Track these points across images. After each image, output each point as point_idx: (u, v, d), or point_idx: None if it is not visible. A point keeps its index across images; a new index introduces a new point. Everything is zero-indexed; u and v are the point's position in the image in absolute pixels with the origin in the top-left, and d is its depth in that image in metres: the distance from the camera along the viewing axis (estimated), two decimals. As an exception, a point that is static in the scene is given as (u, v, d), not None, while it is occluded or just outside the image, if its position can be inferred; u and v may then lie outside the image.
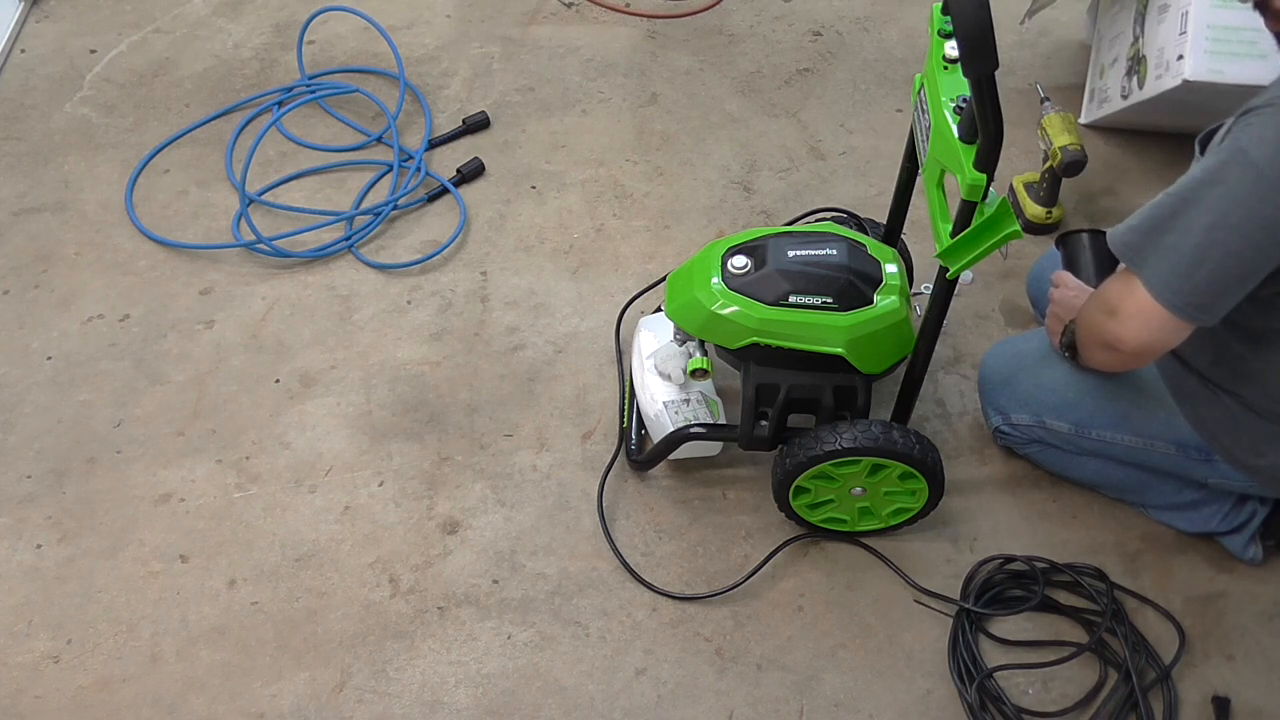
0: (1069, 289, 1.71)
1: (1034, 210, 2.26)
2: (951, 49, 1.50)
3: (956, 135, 1.44)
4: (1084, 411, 1.72)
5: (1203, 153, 1.42)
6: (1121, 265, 1.44)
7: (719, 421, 1.83)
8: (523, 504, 1.88)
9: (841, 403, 1.72)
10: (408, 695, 1.66)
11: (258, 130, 2.48)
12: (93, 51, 2.68)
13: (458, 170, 2.40)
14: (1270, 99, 1.29)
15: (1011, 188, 2.35)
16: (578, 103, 2.58)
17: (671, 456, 1.82)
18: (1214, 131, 1.41)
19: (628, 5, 2.84)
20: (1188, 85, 2.06)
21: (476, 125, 2.50)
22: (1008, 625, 1.74)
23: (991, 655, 1.71)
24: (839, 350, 1.64)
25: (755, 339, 1.65)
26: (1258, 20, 1.42)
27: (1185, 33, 2.09)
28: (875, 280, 1.67)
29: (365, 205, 2.35)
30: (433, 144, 2.47)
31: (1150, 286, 1.37)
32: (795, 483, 1.71)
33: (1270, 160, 1.26)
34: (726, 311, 1.65)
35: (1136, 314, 1.40)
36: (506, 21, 2.79)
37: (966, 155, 1.40)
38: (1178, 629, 1.72)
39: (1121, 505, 1.87)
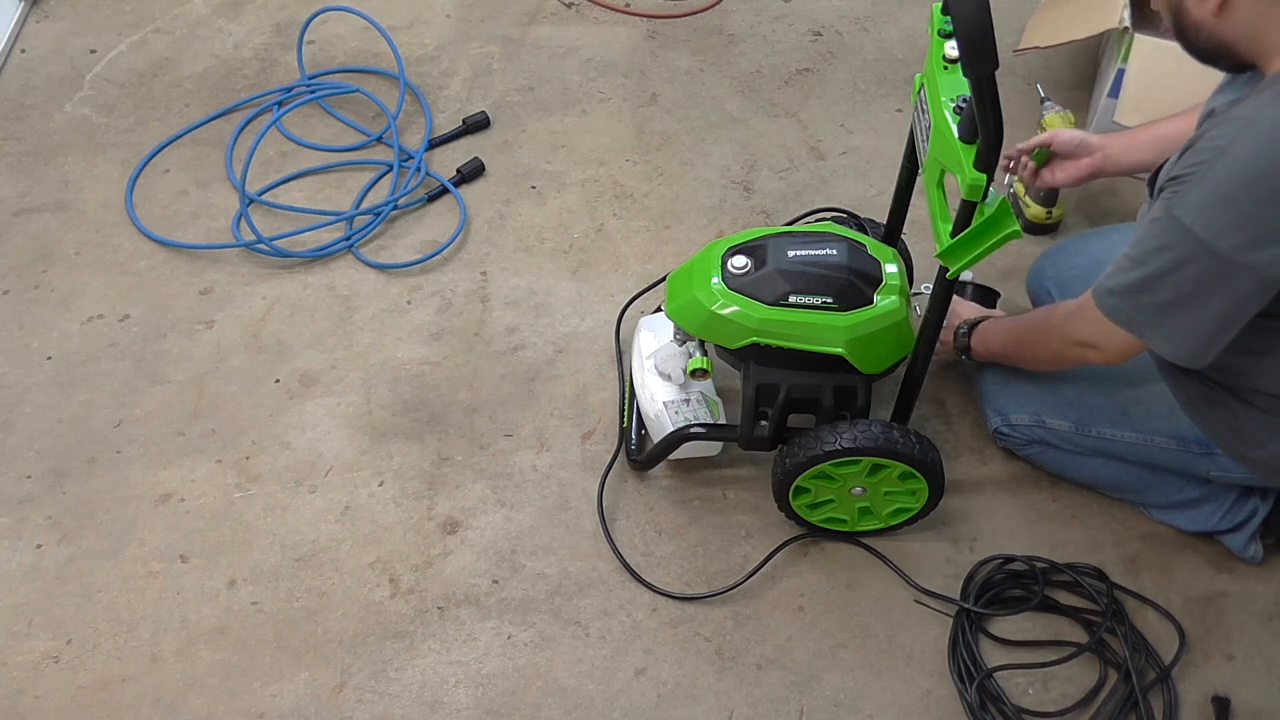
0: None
1: (1034, 210, 2.25)
2: (951, 49, 1.49)
3: (956, 135, 1.44)
4: (1083, 409, 1.72)
5: (1151, 194, 1.44)
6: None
7: (719, 421, 1.83)
8: (523, 504, 1.88)
9: (841, 403, 1.72)
10: (408, 695, 1.66)
11: (258, 130, 2.48)
12: (93, 51, 2.68)
13: (458, 170, 2.40)
14: (1193, 165, 1.29)
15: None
16: (578, 103, 2.58)
17: (671, 456, 1.82)
18: (1159, 170, 1.42)
19: (628, 5, 2.84)
20: None
21: (476, 125, 2.50)
22: (1008, 625, 1.74)
23: (991, 655, 1.71)
24: (839, 350, 1.64)
25: (755, 339, 1.65)
26: None
27: None
28: (875, 280, 1.67)
29: (365, 205, 2.35)
30: (433, 144, 2.47)
31: (1150, 343, 1.43)
32: (795, 483, 1.71)
33: (1219, 237, 1.28)
34: (726, 311, 1.65)
35: (1124, 349, 1.46)
36: (506, 21, 2.79)
37: (966, 155, 1.40)
38: (1178, 629, 1.72)
39: (1121, 505, 1.87)
